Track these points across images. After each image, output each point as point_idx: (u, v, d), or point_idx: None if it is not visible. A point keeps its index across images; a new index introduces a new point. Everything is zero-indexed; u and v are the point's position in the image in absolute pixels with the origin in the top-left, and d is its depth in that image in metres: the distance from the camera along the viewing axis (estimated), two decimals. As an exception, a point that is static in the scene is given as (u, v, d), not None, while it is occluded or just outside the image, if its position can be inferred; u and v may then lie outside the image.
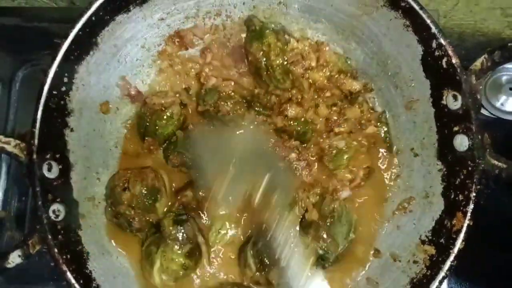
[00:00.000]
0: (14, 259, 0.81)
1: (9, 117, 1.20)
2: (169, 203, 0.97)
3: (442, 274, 0.81)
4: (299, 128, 0.97)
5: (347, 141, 0.96)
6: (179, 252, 0.91)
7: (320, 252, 0.92)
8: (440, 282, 0.81)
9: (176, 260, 0.90)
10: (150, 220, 0.94)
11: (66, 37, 0.87)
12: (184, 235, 0.91)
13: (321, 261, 0.93)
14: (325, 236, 0.91)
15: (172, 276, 0.91)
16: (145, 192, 0.93)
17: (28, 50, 1.22)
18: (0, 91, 1.20)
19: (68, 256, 0.84)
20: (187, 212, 0.95)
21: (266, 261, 0.90)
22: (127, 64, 1.00)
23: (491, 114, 1.15)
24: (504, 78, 1.18)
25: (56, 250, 0.83)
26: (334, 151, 0.96)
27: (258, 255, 0.91)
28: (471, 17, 1.17)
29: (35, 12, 1.26)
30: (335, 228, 0.92)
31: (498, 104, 1.15)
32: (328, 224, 0.92)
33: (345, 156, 0.96)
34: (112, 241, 0.96)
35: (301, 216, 0.96)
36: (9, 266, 0.81)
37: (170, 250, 0.91)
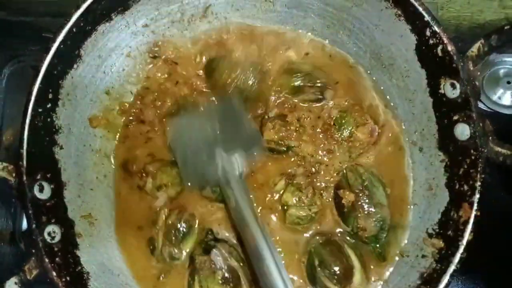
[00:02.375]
0: (11, 287, 0.78)
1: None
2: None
3: (452, 267, 0.79)
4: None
5: (337, 107, 0.95)
6: (214, 280, 0.88)
7: (378, 226, 0.90)
8: (451, 276, 0.79)
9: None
10: (174, 254, 0.92)
11: (47, 51, 0.84)
12: (214, 263, 0.88)
13: (381, 234, 0.90)
14: (372, 208, 0.90)
15: None
16: (178, 225, 0.92)
17: (15, 45, 1.18)
18: (-14, 89, 1.17)
19: (68, 278, 0.81)
20: (216, 238, 0.93)
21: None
22: (113, 74, 0.96)
23: (488, 107, 1.12)
24: (501, 71, 1.15)
25: (54, 273, 0.80)
26: (333, 121, 0.94)
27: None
28: (467, 9, 1.15)
29: (21, 5, 1.22)
30: (375, 195, 0.90)
31: (495, 98, 1.13)
32: (366, 195, 0.90)
33: (348, 116, 0.94)
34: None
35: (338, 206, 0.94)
36: (5, 295, 0.79)
37: (205, 280, 0.88)
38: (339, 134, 0.94)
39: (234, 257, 0.90)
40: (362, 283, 0.89)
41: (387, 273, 0.91)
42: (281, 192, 0.94)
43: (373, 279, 0.91)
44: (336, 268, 0.87)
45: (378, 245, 0.91)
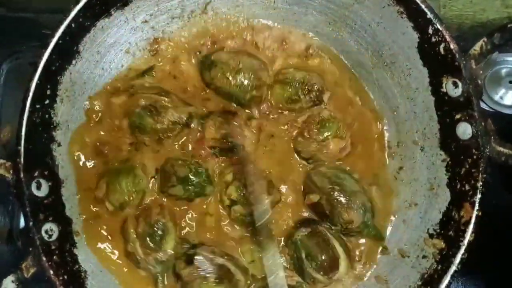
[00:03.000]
0: (8, 285, 0.77)
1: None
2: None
3: (453, 268, 0.79)
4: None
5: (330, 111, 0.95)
6: (208, 284, 0.86)
7: (361, 212, 0.89)
8: (452, 277, 0.79)
9: None
10: (160, 258, 0.89)
11: (45, 47, 0.83)
12: (201, 269, 0.86)
13: (367, 217, 0.90)
14: (349, 199, 0.89)
15: None
16: (151, 230, 0.88)
17: (14, 42, 1.17)
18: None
19: (65, 277, 0.81)
20: (193, 245, 0.91)
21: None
22: (112, 71, 0.95)
23: (490, 107, 1.11)
24: (503, 71, 1.14)
25: (52, 272, 0.80)
26: (318, 120, 0.94)
27: None
28: (470, 8, 1.15)
29: (20, 2, 1.20)
30: (345, 186, 0.90)
31: (497, 98, 1.12)
32: (338, 190, 0.90)
33: (334, 123, 0.93)
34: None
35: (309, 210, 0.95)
36: (1, 294, 0.78)
37: (198, 287, 0.86)
38: (316, 133, 0.93)
39: (218, 253, 0.89)
40: (347, 271, 0.90)
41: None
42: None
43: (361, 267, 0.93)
44: (323, 259, 0.88)
45: (370, 229, 0.91)
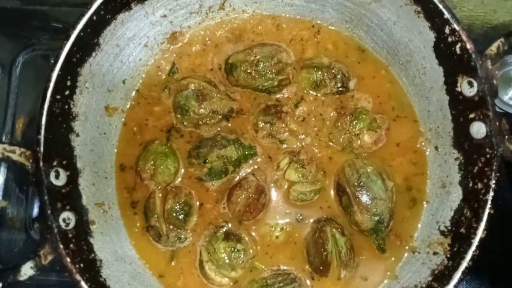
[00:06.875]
0: (27, 271, 0.79)
1: (9, 102, 1.17)
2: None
3: (464, 264, 0.80)
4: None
5: (366, 101, 0.96)
6: (218, 238, 0.91)
7: (374, 219, 0.89)
8: (463, 273, 0.80)
9: (219, 247, 0.90)
10: (180, 235, 0.94)
11: (67, 39, 0.84)
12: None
13: (379, 227, 0.90)
14: (369, 203, 0.89)
15: (228, 266, 0.91)
16: (178, 207, 0.93)
17: (29, 34, 1.19)
18: (0, 76, 1.17)
19: (82, 265, 0.82)
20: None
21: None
22: (130, 64, 0.97)
23: (499, 108, 1.11)
24: (513, 72, 1.15)
25: (69, 259, 0.81)
26: (352, 111, 0.95)
27: None
28: (481, 9, 1.15)
29: None
30: (371, 190, 0.90)
31: (506, 98, 1.12)
32: (362, 191, 0.90)
33: (368, 115, 0.94)
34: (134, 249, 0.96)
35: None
36: (21, 279, 0.79)
37: (209, 244, 0.92)
38: (349, 124, 0.94)
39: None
40: (337, 279, 0.90)
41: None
42: (284, 169, 0.94)
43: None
44: (314, 261, 0.90)
45: (377, 237, 0.91)
